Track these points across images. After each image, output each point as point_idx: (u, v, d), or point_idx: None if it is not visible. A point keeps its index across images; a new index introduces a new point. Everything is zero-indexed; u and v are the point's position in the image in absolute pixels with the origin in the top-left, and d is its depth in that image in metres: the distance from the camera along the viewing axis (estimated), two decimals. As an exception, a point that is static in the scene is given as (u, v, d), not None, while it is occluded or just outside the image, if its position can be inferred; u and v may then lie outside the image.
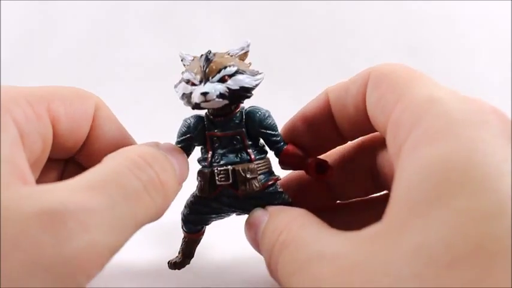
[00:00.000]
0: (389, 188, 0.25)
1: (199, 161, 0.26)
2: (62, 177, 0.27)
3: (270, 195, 0.25)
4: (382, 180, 0.26)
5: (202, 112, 0.26)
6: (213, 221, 0.28)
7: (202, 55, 0.25)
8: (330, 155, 0.28)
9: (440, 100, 0.18)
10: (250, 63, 0.26)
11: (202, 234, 0.29)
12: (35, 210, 0.16)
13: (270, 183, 0.25)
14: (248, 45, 0.26)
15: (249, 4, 0.68)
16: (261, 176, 0.25)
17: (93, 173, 0.19)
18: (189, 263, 0.29)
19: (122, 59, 0.69)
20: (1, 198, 0.16)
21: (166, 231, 0.36)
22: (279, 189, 0.26)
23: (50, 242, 0.16)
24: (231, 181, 0.25)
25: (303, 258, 0.18)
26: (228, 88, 0.24)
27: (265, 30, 0.68)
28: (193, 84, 0.24)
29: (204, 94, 0.23)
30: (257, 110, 0.26)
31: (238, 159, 0.25)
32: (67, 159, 0.27)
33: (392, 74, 0.21)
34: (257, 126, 0.25)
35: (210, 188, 0.25)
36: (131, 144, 0.26)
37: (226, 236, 0.33)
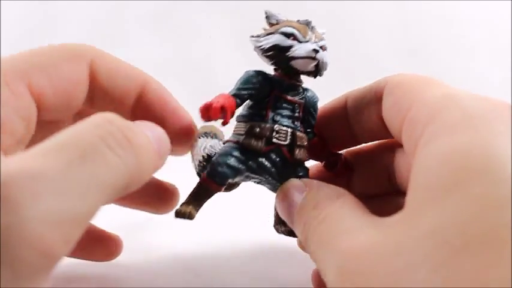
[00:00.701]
0: (405, 190, 0.25)
1: (246, 115, 0.26)
2: None
3: (308, 175, 0.26)
4: (398, 183, 0.27)
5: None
6: (241, 178, 0.26)
7: (301, 20, 0.26)
8: (349, 152, 0.29)
9: (456, 96, 0.19)
10: None
11: (222, 189, 0.26)
12: None
13: (308, 160, 0.26)
14: (324, 33, 0.27)
15: (249, 4, 0.68)
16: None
17: (51, 139, 0.17)
18: (194, 218, 0.24)
19: (121, 58, 0.69)
20: None
21: (167, 231, 0.36)
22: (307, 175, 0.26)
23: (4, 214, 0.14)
24: (287, 142, 0.25)
25: (334, 232, 0.19)
26: (323, 59, 0.25)
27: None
28: (296, 40, 0.25)
29: (315, 51, 0.24)
30: (313, 91, 0.27)
31: (293, 126, 0.25)
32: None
33: (407, 81, 0.22)
34: (310, 105, 0.26)
35: (265, 144, 0.25)
36: (135, 101, 0.25)
37: (226, 236, 0.33)
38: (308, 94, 0.26)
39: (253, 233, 0.34)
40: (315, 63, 0.25)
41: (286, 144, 0.25)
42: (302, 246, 0.29)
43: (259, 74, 0.26)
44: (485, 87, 0.64)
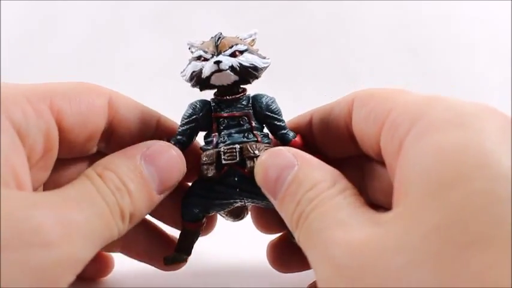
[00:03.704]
0: (380, 203, 0.25)
1: (203, 147, 0.26)
2: None
3: None
4: (370, 197, 0.26)
5: (208, 98, 0.26)
6: (215, 209, 0.26)
7: (213, 36, 0.26)
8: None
9: (439, 97, 0.19)
10: (257, 49, 0.26)
11: (202, 226, 0.27)
12: (24, 216, 0.17)
13: None
14: (256, 34, 0.27)
15: (249, 4, 0.67)
16: None
17: (72, 188, 0.20)
18: (186, 261, 0.27)
19: (122, 59, 0.69)
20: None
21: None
22: None
23: (38, 248, 0.17)
24: (238, 159, 0.24)
25: (329, 220, 0.18)
26: (239, 63, 0.24)
27: (265, 31, 0.68)
28: (205, 60, 0.25)
29: (217, 63, 0.24)
30: (263, 94, 0.26)
31: (245, 139, 0.25)
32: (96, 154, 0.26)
33: (379, 93, 0.22)
34: (264, 109, 0.26)
35: (216, 169, 0.25)
36: (153, 134, 0.27)
37: (226, 236, 0.33)
38: (256, 100, 0.26)
39: (253, 234, 0.34)
40: (225, 73, 0.24)
41: (238, 161, 0.24)
42: (261, 225, 0.29)
43: (197, 103, 0.26)
44: (485, 87, 0.64)
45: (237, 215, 0.28)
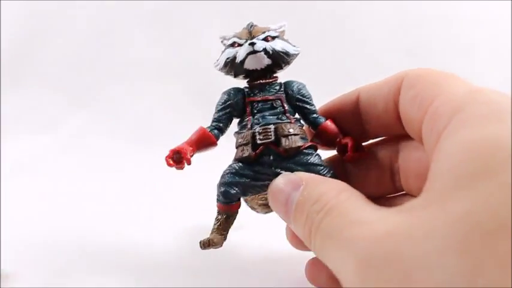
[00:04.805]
0: (408, 189, 0.25)
1: (237, 131, 0.26)
2: None
3: (313, 165, 0.25)
4: (401, 181, 0.26)
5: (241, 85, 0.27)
6: (252, 191, 0.26)
7: (245, 26, 0.27)
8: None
9: (482, 91, 0.19)
10: (287, 39, 0.27)
11: (238, 208, 0.27)
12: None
13: (309, 144, 0.25)
14: (285, 25, 0.28)
15: (249, 4, 0.67)
16: (302, 139, 0.25)
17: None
18: (221, 245, 0.26)
19: (122, 59, 0.69)
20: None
21: (167, 232, 0.36)
22: (322, 162, 0.25)
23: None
24: (273, 138, 0.25)
25: (344, 223, 0.18)
26: (272, 47, 0.26)
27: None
28: (239, 45, 0.26)
29: (252, 44, 0.25)
30: (294, 80, 0.27)
31: (279, 120, 0.25)
32: None
33: (427, 75, 0.22)
34: (296, 93, 0.26)
35: (252, 149, 0.25)
36: None
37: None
38: (288, 85, 0.27)
39: (253, 234, 0.34)
40: (259, 55, 0.25)
41: (273, 141, 0.25)
42: (295, 242, 0.29)
43: (231, 90, 0.27)
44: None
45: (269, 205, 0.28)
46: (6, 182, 0.48)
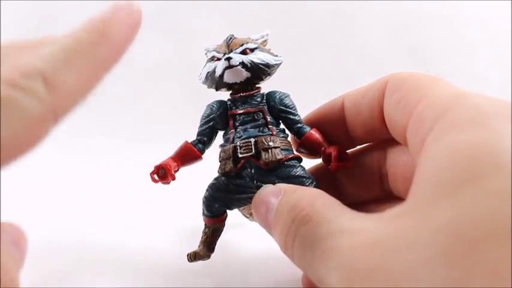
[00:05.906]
0: (398, 192, 0.25)
1: (221, 144, 0.27)
2: None
3: (295, 177, 0.25)
4: (390, 185, 0.26)
5: (224, 98, 0.27)
6: (235, 204, 0.27)
7: (225, 38, 0.27)
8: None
9: (467, 95, 0.18)
10: (269, 49, 0.27)
11: (224, 221, 0.27)
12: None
13: (291, 156, 0.25)
14: (267, 34, 0.28)
15: (249, 4, 0.68)
16: (284, 151, 0.25)
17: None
18: (208, 257, 0.27)
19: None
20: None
21: (167, 232, 0.36)
22: (306, 174, 0.25)
23: None
24: (253, 152, 0.25)
25: (323, 233, 0.18)
26: (250, 60, 0.25)
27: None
28: (218, 59, 0.26)
29: (228, 59, 0.25)
30: (277, 91, 0.27)
31: (260, 133, 0.25)
32: None
33: (412, 78, 0.22)
34: (278, 104, 0.26)
35: (233, 163, 0.25)
36: None
37: (226, 236, 0.33)
38: (270, 96, 0.27)
39: (253, 234, 0.34)
40: (235, 69, 0.25)
41: (254, 154, 0.25)
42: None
43: (214, 103, 0.27)
44: (485, 87, 0.63)
45: None
46: (6, 182, 0.48)
